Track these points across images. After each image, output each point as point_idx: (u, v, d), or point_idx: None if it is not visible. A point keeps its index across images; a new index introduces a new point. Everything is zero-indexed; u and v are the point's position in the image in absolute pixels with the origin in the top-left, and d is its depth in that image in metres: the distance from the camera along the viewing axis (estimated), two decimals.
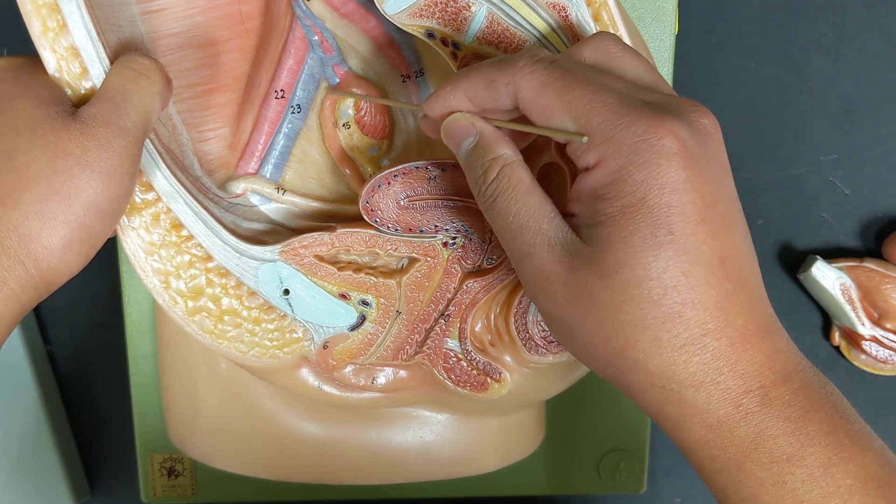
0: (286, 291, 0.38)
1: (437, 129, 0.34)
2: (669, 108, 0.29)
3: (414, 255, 0.38)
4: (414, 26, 0.35)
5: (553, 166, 0.38)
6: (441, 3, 0.35)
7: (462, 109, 0.32)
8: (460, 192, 0.37)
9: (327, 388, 0.41)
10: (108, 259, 0.48)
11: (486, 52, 0.36)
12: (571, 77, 0.30)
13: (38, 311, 0.56)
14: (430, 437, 0.45)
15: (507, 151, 0.32)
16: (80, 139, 0.32)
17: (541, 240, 0.30)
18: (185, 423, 0.45)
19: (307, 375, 0.40)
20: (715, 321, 0.28)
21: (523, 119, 0.32)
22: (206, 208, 0.37)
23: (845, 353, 0.56)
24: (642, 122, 0.28)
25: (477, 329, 0.40)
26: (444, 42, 0.36)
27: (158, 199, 0.37)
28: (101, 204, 0.32)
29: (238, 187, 0.41)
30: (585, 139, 0.29)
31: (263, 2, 0.39)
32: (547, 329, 0.39)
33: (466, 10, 0.35)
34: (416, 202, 0.37)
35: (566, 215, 0.31)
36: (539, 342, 0.39)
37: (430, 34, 0.36)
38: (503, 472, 0.49)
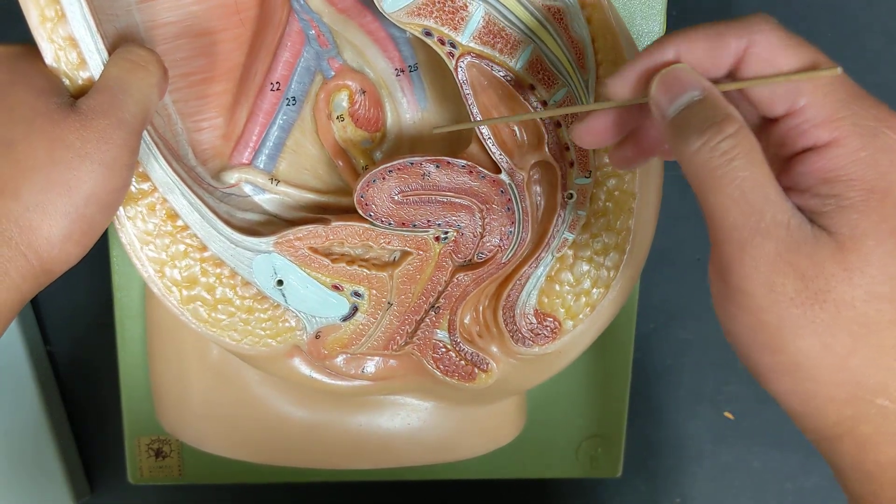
0: (280, 282, 0.39)
1: (594, 132, 0.31)
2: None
3: (406, 248, 0.39)
4: (412, 24, 0.36)
5: (543, 165, 0.39)
6: (439, 2, 0.36)
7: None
8: (453, 189, 0.38)
9: (318, 376, 0.42)
10: (106, 259, 0.48)
11: (482, 53, 0.36)
12: (810, 46, 0.28)
13: (37, 311, 0.56)
14: (417, 423, 0.46)
15: (740, 117, 0.27)
16: (79, 131, 0.32)
17: (782, 217, 0.26)
18: (175, 408, 0.46)
19: (299, 364, 0.41)
20: None
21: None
22: (201, 199, 0.38)
23: None
24: (880, 110, 0.27)
25: (466, 321, 0.41)
26: (441, 41, 0.36)
27: (154, 189, 0.37)
28: (101, 195, 0.33)
29: (232, 177, 0.41)
30: (840, 70, 0.26)
31: None
32: (535, 322, 0.41)
33: (464, 9, 0.36)
34: (410, 197, 0.38)
35: None
36: (526, 334, 0.41)
37: (428, 33, 0.36)
38: (486, 456, 0.50)
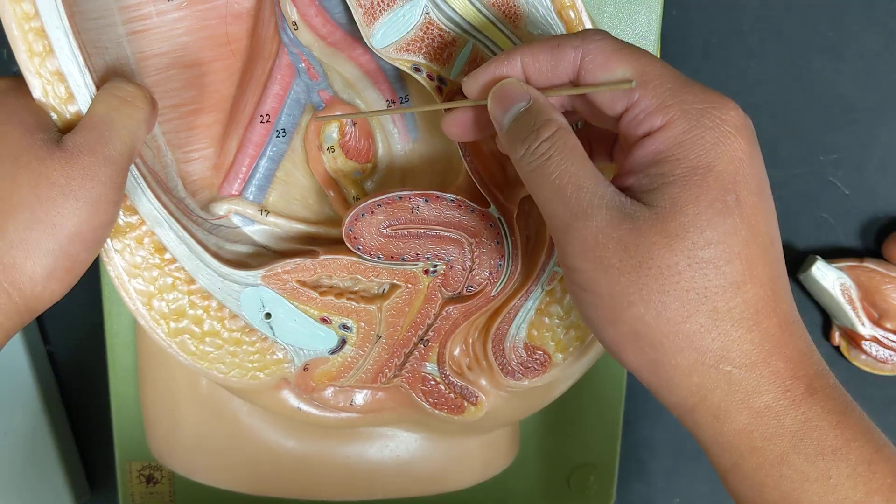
0: (268, 315, 0.39)
1: (459, 124, 0.34)
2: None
3: (395, 281, 0.39)
4: (401, 60, 0.36)
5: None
6: (428, 38, 0.35)
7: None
8: (442, 223, 0.38)
9: (306, 408, 0.41)
10: (98, 284, 0.48)
11: None
12: (640, 50, 0.30)
13: None
14: (406, 454, 0.46)
15: (561, 119, 0.30)
16: (64, 168, 0.32)
17: (599, 201, 0.28)
18: (165, 437, 0.46)
19: (287, 396, 0.41)
20: (767, 300, 0.28)
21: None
22: (189, 231, 0.38)
23: (845, 353, 0.56)
24: (708, 95, 0.29)
25: (455, 353, 0.41)
26: (430, 77, 0.36)
27: (142, 222, 0.37)
28: (86, 233, 0.33)
29: (221, 209, 0.41)
30: (634, 83, 0.29)
31: (250, 25, 0.40)
32: (525, 355, 0.40)
33: (452, 45, 0.36)
34: (398, 231, 0.38)
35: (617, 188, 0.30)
36: (515, 367, 0.40)
37: (417, 68, 0.36)
38: (476, 487, 0.50)
